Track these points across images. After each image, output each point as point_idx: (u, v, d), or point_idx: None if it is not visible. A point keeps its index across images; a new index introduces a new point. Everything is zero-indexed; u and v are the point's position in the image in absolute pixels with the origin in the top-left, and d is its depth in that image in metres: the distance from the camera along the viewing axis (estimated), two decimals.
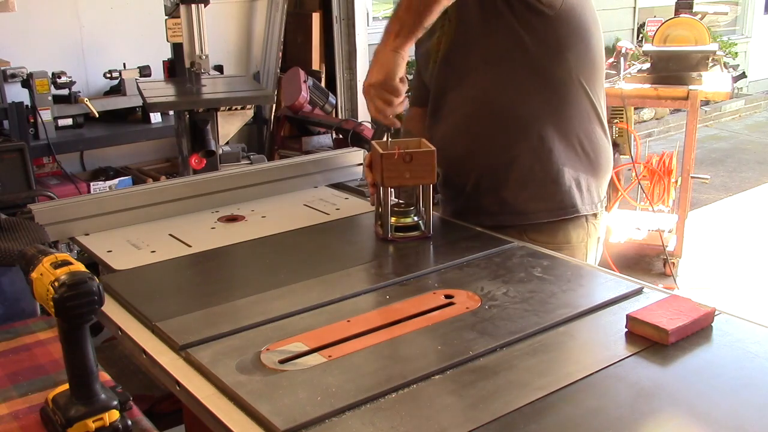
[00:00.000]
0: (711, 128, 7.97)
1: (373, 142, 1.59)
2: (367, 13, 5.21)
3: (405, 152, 1.50)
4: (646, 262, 4.36)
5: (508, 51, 1.60)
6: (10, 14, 3.46)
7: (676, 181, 4.27)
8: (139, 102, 3.75)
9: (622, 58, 4.02)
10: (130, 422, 1.05)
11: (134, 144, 4.13)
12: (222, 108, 2.95)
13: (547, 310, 1.22)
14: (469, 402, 0.97)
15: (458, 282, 1.35)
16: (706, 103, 6.65)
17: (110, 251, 1.57)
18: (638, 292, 1.29)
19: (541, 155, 1.63)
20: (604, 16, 7.33)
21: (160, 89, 3.29)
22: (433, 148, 1.52)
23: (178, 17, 3.10)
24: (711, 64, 4.02)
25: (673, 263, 4.09)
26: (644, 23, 6.89)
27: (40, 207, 1.67)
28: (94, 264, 1.51)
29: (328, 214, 1.79)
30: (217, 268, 1.50)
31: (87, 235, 1.68)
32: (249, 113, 3.10)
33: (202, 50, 3.04)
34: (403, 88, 1.50)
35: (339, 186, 2.03)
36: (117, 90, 4.04)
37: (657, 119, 7.65)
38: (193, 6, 3.01)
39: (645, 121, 7.49)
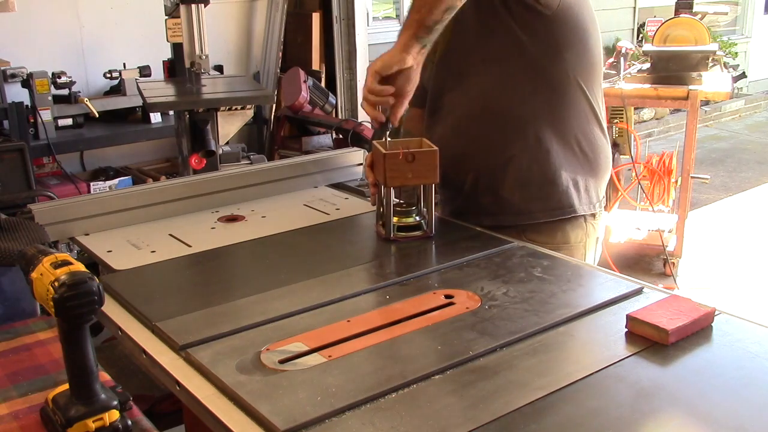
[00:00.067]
0: (711, 128, 7.98)
1: (374, 142, 1.59)
2: (367, 13, 5.21)
3: (408, 152, 1.50)
4: (646, 262, 4.36)
5: (505, 51, 1.60)
6: (10, 14, 3.46)
7: (676, 181, 4.27)
8: (139, 102, 3.75)
9: (622, 58, 4.02)
10: (130, 422, 1.05)
11: (134, 144, 4.13)
12: (222, 108, 2.95)
13: (547, 310, 1.22)
14: (469, 402, 0.97)
15: (458, 282, 1.35)
16: (706, 103, 6.65)
17: (110, 251, 1.57)
18: (638, 292, 1.29)
19: (538, 155, 1.63)
20: (604, 16, 7.32)
21: (160, 89, 3.29)
22: (435, 147, 1.52)
23: (178, 17, 3.10)
24: (711, 64, 4.03)
25: (673, 263, 4.09)
26: (644, 23, 6.89)
27: (40, 207, 1.67)
28: (94, 264, 1.51)
29: (328, 214, 1.79)
30: (217, 268, 1.50)
31: (87, 235, 1.68)
32: (249, 113, 3.10)
33: (202, 50, 3.04)
34: (390, 89, 1.47)
35: (339, 186, 2.03)
36: (117, 90, 4.04)
37: (657, 119, 7.65)
38: (193, 6, 3.01)
39: (645, 121, 7.50)
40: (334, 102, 4.68)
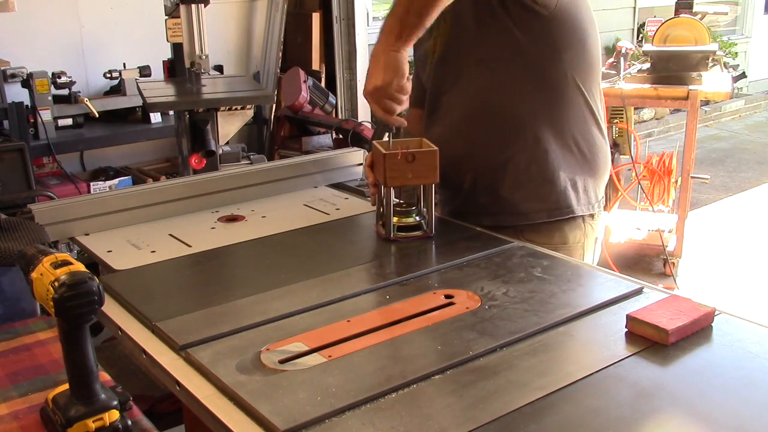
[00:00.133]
0: (711, 128, 7.98)
1: (374, 142, 1.59)
2: (367, 13, 5.20)
3: (408, 152, 1.50)
4: (646, 262, 4.36)
5: (503, 51, 1.60)
6: (10, 14, 3.46)
7: (676, 181, 4.27)
8: (139, 102, 3.75)
9: (622, 58, 4.02)
10: (130, 422, 1.05)
11: (134, 144, 4.12)
12: (222, 108, 2.95)
13: (547, 310, 1.22)
14: (469, 402, 0.97)
15: (458, 282, 1.35)
16: (706, 103, 6.65)
17: (110, 251, 1.57)
18: (638, 292, 1.29)
19: (537, 156, 1.63)
20: (604, 16, 7.32)
21: (160, 89, 3.29)
22: (435, 147, 1.52)
23: (178, 17, 3.10)
24: (711, 64, 4.03)
25: (673, 263, 4.09)
26: (644, 23, 6.89)
27: (40, 207, 1.67)
28: (94, 264, 1.51)
29: (328, 214, 1.79)
30: (217, 268, 1.50)
31: (87, 235, 1.68)
32: (249, 113, 3.10)
33: (202, 50, 3.04)
34: (409, 85, 1.49)
35: (339, 186, 2.03)
36: (117, 90, 4.04)
37: (657, 119, 7.65)
38: (193, 6, 3.01)
39: (645, 121, 7.49)
40: (334, 102, 4.68)
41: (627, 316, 1.15)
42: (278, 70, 4.65)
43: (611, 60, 4.14)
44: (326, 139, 4.53)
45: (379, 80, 1.46)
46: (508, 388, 1.00)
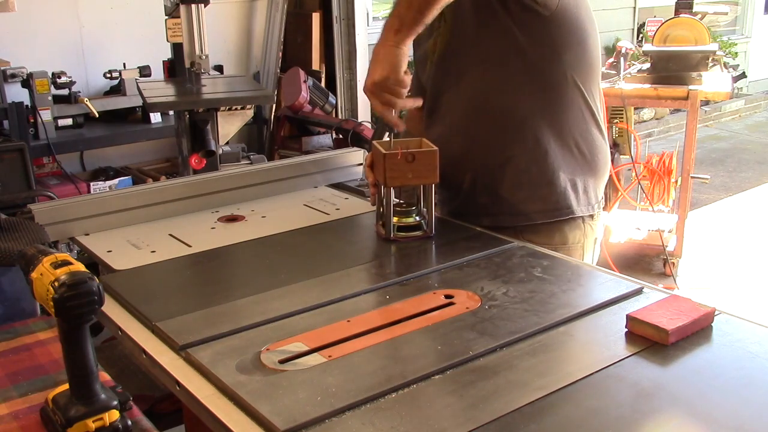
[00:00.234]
0: (711, 128, 7.98)
1: (374, 142, 1.59)
2: (367, 13, 5.21)
3: (408, 152, 1.50)
4: (646, 262, 4.36)
5: (503, 52, 1.60)
6: (10, 14, 3.46)
7: (676, 181, 4.27)
8: (139, 102, 3.75)
9: (622, 58, 4.02)
10: (130, 422, 1.05)
11: (134, 144, 4.13)
12: (222, 108, 2.95)
13: (547, 310, 1.22)
14: (469, 402, 0.97)
15: (458, 282, 1.35)
16: (706, 103, 6.65)
17: (110, 251, 1.57)
18: (638, 292, 1.29)
19: (536, 156, 1.63)
20: (604, 16, 7.31)
21: (160, 89, 3.29)
22: (435, 147, 1.52)
23: (178, 17, 3.10)
24: (711, 64, 4.03)
25: (673, 263, 4.09)
26: (644, 23, 6.89)
27: (40, 207, 1.67)
28: (94, 264, 1.51)
29: (328, 214, 1.79)
30: (217, 268, 1.50)
31: (87, 235, 1.68)
32: (249, 113, 3.10)
33: (202, 50, 3.04)
34: (408, 79, 1.49)
35: (339, 186, 2.03)
36: (117, 90, 4.04)
37: (657, 119, 7.65)
38: (193, 6, 3.01)
39: (645, 121, 7.49)
40: (334, 102, 4.68)
41: (627, 316, 1.15)
42: (278, 70, 4.66)
43: (611, 60, 4.14)
44: (326, 139, 4.53)
45: (377, 74, 1.47)
46: (508, 388, 1.00)
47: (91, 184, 3.83)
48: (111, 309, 1.29)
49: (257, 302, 1.27)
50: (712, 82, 3.90)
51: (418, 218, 1.58)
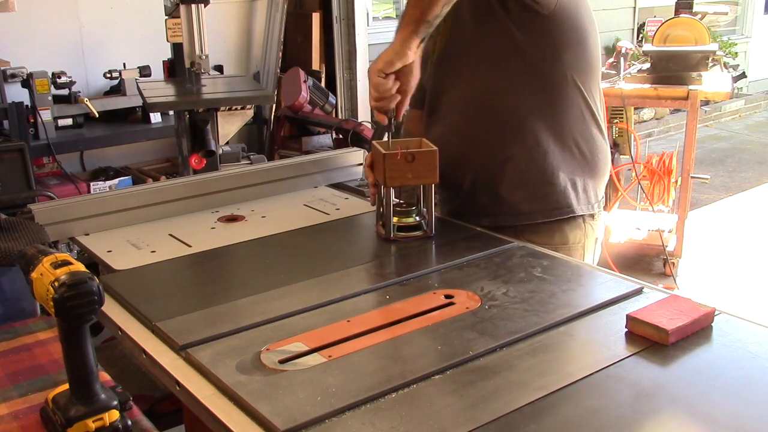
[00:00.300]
0: (711, 128, 7.98)
1: (374, 142, 1.59)
2: (367, 13, 5.21)
3: (407, 152, 1.50)
4: (646, 262, 4.36)
5: (502, 51, 1.60)
6: (10, 14, 3.46)
7: (676, 181, 4.27)
8: (139, 102, 3.75)
9: (622, 58, 4.03)
10: (130, 422, 1.05)
11: (134, 144, 4.13)
12: (222, 108, 2.95)
13: (547, 310, 1.22)
14: (469, 402, 0.97)
15: (458, 282, 1.35)
16: (706, 103, 6.65)
17: (110, 251, 1.57)
18: (638, 292, 1.29)
19: (536, 156, 1.63)
20: (604, 16, 7.31)
21: (160, 89, 3.29)
22: (435, 147, 1.52)
23: (178, 17, 3.10)
24: (711, 64, 4.03)
25: (673, 263, 4.09)
26: (644, 23, 6.89)
27: (40, 207, 1.67)
28: (94, 264, 1.51)
29: (328, 214, 1.79)
30: (217, 268, 1.50)
31: (87, 235, 1.68)
32: (249, 113, 3.10)
33: (202, 50, 3.04)
34: (396, 84, 1.48)
35: (339, 186, 2.03)
36: (117, 90, 4.04)
37: (657, 119, 7.65)
38: (193, 6, 3.01)
39: (645, 121, 7.50)
40: (334, 102, 4.68)
41: (627, 316, 1.15)
42: (278, 70, 4.66)
43: (611, 60, 4.14)
44: (326, 139, 4.53)
45: (380, 62, 1.47)
46: (508, 388, 1.00)
47: (91, 184, 3.83)
48: (111, 309, 1.29)
49: (257, 302, 1.27)
50: (712, 82, 3.90)
51: (418, 218, 1.58)
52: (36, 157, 3.58)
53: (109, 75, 3.92)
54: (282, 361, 1.07)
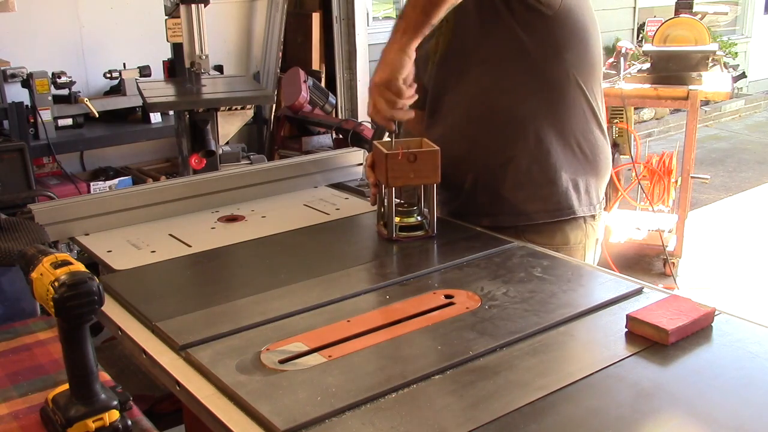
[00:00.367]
0: (711, 128, 7.98)
1: (375, 142, 1.59)
2: (367, 13, 5.20)
3: (409, 152, 1.50)
4: (646, 262, 4.36)
5: (506, 52, 1.60)
6: (10, 14, 3.46)
7: (676, 181, 4.27)
8: (139, 102, 3.75)
9: (622, 58, 4.02)
10: (130, 422, 1.05)
11: (134, 144, 4.13)
12: (222, 108, 2.95)
13: (547, 310, 1.22)
14: (469, 402, 0.97)
15: (458, 282, 1.35)
16: (706, 103, 6.65)
17: (110, 251, 1.57)
18: (638, 292, 1.29)
19: (538, 156, 1.63)
20: (604, 16, 7.31)
21: (160, 89, 3.29)
22: (437, 147, 1.52)
23: (178, 17, 3.10)
24: (711, 64, 4.03)
25: (673, 263, 4.09)
26: (644, 23, 6.89)
27: (40, 207, 1.67)
28: (94, 264, 1.51)
29: (328, 214, 1.79)
30: (217, 268, 1.50)
31: (87, 235, 1.68)
32: (249, 113, 3.10)
33: (202, 50, 3.04)
34: (409, 91, 1.49)
35: (339, 186, 2.03)
36: (117, 90, 4.04)
37: (657, 119, 7.65)
38: (193, 6, 3.01)
39: (645, 121, 7.49)
40: (334, 102, 4.68)
41: (627, 316, 1.15)
42: (278, 70, 4.66)
43: (611, 60, 4.14)
44: (326, 139, 4.53)
45: (377, 77, 1.47)
46: (508, 388, 1.00)
47: (91, 184, 3.83)
48: (111, 309, 1.29)
49: (257, 302, 1.27)
50: (712, 82, 3.90)
51: (419, 218, 1.58)
52: (36, 157, 3.58)
53: (109, 75, 3.92)
54: (282, 361, 1.07)
